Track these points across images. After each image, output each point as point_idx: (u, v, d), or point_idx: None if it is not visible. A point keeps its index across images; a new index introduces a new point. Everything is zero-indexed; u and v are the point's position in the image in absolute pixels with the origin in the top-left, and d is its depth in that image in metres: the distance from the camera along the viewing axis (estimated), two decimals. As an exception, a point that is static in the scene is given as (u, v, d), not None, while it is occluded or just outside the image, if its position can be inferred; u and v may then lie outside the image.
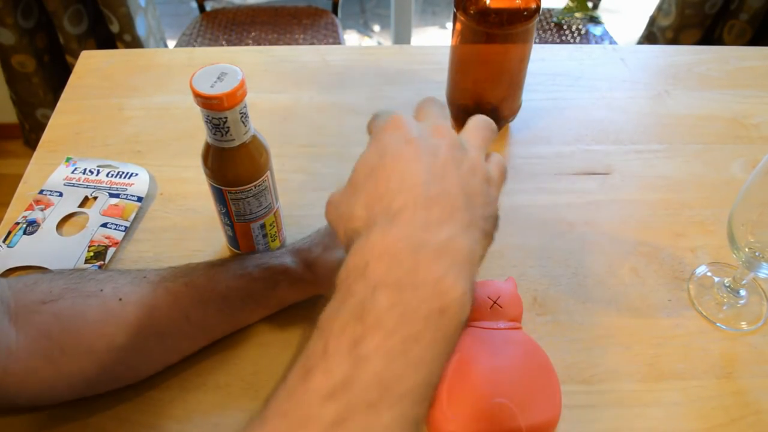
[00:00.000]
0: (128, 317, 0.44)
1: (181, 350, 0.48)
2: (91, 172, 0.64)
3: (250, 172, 0.48)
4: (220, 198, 0.49)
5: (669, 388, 0.49)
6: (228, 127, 0.44)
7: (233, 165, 0.47)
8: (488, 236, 0.35)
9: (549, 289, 0.56)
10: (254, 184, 0.48)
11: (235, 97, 0.43)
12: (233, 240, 0.54)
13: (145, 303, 0.45)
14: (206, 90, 0.42)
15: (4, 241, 0.58)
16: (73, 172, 0.64)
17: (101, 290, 0.45)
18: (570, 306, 0.54)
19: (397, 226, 0.31)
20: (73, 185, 0.63)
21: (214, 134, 0.45)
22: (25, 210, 0.61)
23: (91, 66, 0.79)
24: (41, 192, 0.63)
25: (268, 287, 0.49)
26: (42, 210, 0.61)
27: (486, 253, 0.35)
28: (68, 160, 0.66)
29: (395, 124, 0.35)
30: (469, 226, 0.33)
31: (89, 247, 0.58)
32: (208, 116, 0.44)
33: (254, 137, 0.47)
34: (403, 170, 0.33)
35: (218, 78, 0.43)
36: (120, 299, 0.45)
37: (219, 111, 0.43)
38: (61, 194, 0.62)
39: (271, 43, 1.48)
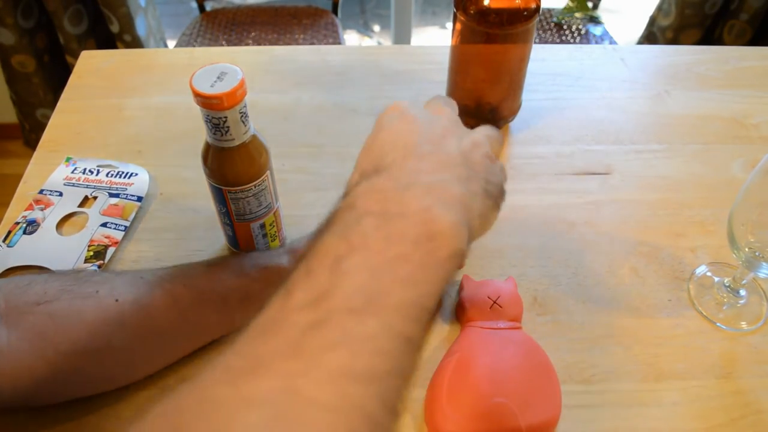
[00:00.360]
0: (125, 317, 0.44)
1: (179, 351, 0.48)
2: (91, 172, 0.64)
3: (250, 171, 0.48)
4: (220, 197, 0.49)
5: (669, 387, 0.49)
6: (228, 127, 0.44)
7: (233, 164, 0.47)
8: (491, 198, 0.34)
9: (549, 289, 0.56)
10: (254, 183, 0.48)
11: (235, 97, 0.43)
12: (233, 240, 0.54)
13: (142, 303, 0.45)
14: (206, 89, 0.42)
15: (3, 240, 0.58)
16: (73, 172, 0.64)
17: (97, 291, 0.44)
18: (570, 306, 0.55)
19: (386, 173, 0.31)
20: (73, 185, 0.63)
21: (214, 134, 0.45)
22: (25, 210, 0.61)
23: (91, 66, 0.79)
24: (41, 192, 0.63)
25: (266, 287, 0.49)
26: (42, 210, 0.61)
27: (490, 218, 0.34)
28: (68, 159, 0.66)
29: (395, 106, 0.36)
30: (467, 180, 0.32)
31: (89, 246, 0.58)
32: (208, 116, 0.44)
33: (254, 137, 0.47)
34: (396, 136, 0.34)
35: (218, 78, 0.43)
36: (116, 300, 0.44)
37: (219, 110, 0.43)
38: (61, 194, 0.62)
39: (271, 43, 1.48)
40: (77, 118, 0.72)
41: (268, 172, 0.49)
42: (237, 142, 0.46)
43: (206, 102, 0.42)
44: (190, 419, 0.22)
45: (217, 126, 0.44)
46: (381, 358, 0.25)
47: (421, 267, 0.27)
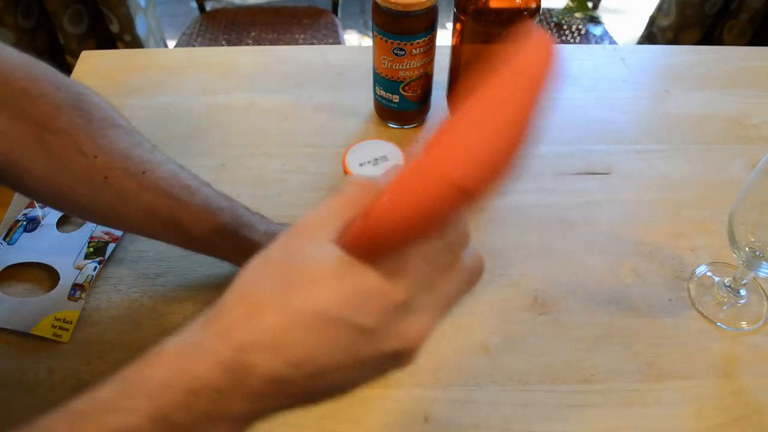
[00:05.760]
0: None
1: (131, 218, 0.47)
2: None
3: None
4: None
5: (669, 387, 0.49)
6: None
7: None
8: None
9: (549, 289, 0.56)
10: None
11: None
12: None
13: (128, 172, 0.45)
14: (355, 168, 0.40)
15: (4, 238, 0.58)
16: None
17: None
18: (570, 306, 0.54)
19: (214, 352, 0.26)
20: None
21: None
22: (26, 208, 0.61)
23: (91, 66, 0.79)
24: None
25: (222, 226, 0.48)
26: (42, 207, 0.61)
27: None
28: None
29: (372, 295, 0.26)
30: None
31: (89, 242, 0.58)
32: None
33: None
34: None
35: (375, 161, 0.40)
36: (95, 156, 0.45)
37: None
38: None
39: (271, 43, 1.48)
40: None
41: None
42: None
43: None
44: None
45: None
46: None
47: None
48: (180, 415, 0.25)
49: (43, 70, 0.45)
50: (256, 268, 0.28)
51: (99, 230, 0.59)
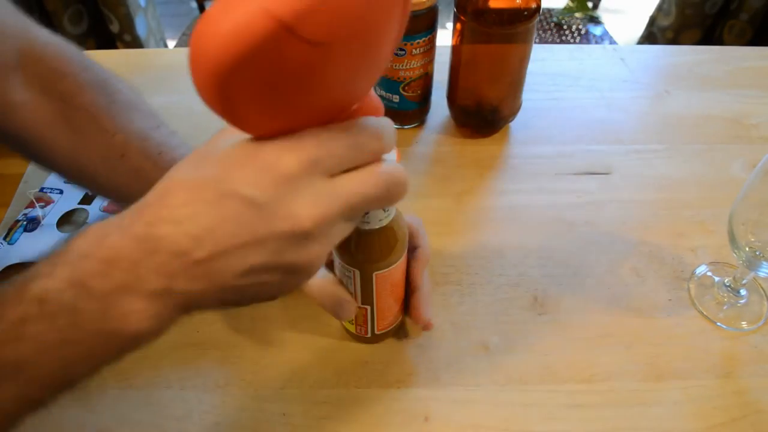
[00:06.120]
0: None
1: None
2: None
3: (370, 259, 0.43)
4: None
5: (669, 387, 0.49)
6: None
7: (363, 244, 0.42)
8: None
9: (549, 289, 0.56)
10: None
11: None
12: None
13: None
14: None
15: (4, 238, 0.58)
16: None
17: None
18: (570, 306, 0.54)
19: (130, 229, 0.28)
20: None
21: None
22: (26, 207, 0.61)
23: (91, 66, 0.79)
24: (42, 189, 0.63)
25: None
26: (42, 207, 0.61)
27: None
28: None
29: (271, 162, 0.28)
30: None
31: None
32: None
33: (388, 228, 0.42)
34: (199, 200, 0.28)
35: None
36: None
37: None
38: (61, 191, 0.63)
39: (271, 43, 1.48)
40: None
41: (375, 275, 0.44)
42: (372, 226, 0.41)
43: None
44: None
45: None
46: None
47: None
48: (96, 282, 0.28)
49: (72, 51, 0.48)
50: (183, 160, 0.30)
51: None
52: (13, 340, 0.28)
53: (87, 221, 0.60)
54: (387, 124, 0.31)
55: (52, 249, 0.29)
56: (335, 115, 0.30)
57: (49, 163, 0.48)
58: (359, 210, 0.31)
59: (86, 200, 0.62)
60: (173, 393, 0.48)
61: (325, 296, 0.44)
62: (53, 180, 0.64)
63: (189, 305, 0.30)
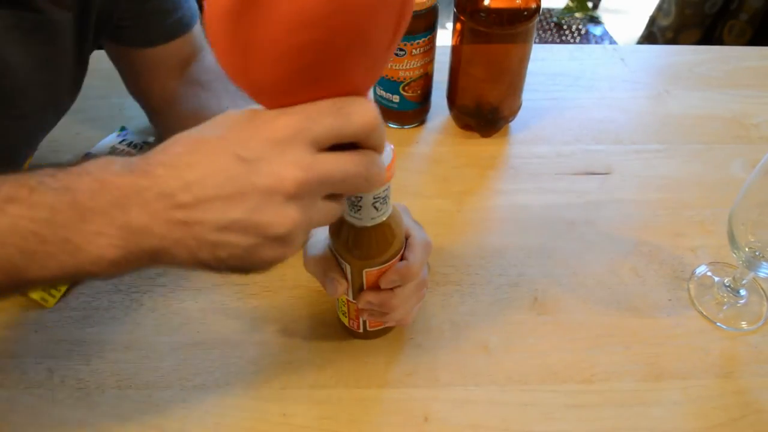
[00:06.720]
0: None
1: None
2: (135, 146, 0.66)
3: (364, 255, 0.43)
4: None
5: (669, 387, 0.49)
6: (360, 207, 0.40)
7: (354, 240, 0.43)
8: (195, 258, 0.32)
9: (549, 289, 0.56)
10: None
11: None
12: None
13: None
14: None
15: None
16: (120, 142, 0.67)
17: None
18: (570, 306, 0.54)
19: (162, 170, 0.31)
20: (116, 154, 0.64)
21: (349, 209, 0.41)
22: None
23: (91, 66, 0.79)
24: (87, 154, 0.65)
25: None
26: None
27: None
28: (122, 129, 0.68)
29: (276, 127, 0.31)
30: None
31: None
32: None
33: (384, 225, 0.42)
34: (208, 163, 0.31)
35: None
36: None
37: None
38: None
39: (271, 43, 1.48)
40: (78, 117, 0.72)
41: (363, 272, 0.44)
42: (364, 224, 0.41)
43: None
44: None
45: (348, 199, 0.40)
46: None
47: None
48: (84, 197, 0.30)
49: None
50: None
51: None
52: None
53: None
54: (374, 107, 0.32)
55: (69, 160, 0.32)
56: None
57: None
58: (339, 184, 0.32)
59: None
60: (173, 393, 0.48)
61: (318, 269, 0.45)
62: (101, 147, 0.67)
63: (160, 253, 0.31)
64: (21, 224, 0.30)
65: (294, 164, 0.30)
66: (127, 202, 0.30)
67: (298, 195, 0.31)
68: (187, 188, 0.30)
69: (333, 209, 0.34)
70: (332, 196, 0.34)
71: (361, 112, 0.31)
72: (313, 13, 0.28)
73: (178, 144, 0.31)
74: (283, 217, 0.31)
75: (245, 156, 0.30)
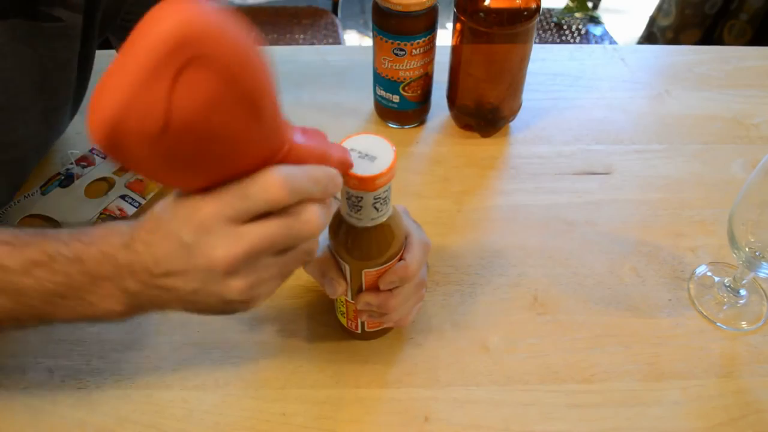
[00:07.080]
0: None
1: None
2: None
3: (363, 255, 0.43)
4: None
5: (669, 387, 0.49)
6: (360, 207, 0.40)
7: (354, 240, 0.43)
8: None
9: (549, 289, 0.56)
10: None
11: (373, 184, 0.38)
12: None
13: None
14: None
15: (41, 187, 0.62)
16: None
17: None
18: (570, 306, 0.55)
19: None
20: None
21: (349, 209, 0.41)
22: (70, 164, 0.64)
23: (94, 66, 0.79)
24: (90, 150, 0.66)
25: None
26: (83, 168, 0.64)
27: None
28: None
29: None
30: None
31: (101, 214, 0.60)
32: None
33: (385, 226, 0.42)
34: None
35: (367, 155, 0.39)
36: None
37: (352, 189, 0.39)
38: (105, 157, 0.65)
39: (271, 43, 1.48)
40: (77, 118, 0.72)
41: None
42: (364, 224, 0.41)
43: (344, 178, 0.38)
44: None
45: (348, 200, 0.40)
46: None
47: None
48: (92, 265, 0.37)
49: None
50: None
51: (114, 204, 0.61)
52: (22, 273, 0.37)
53: (108, 193, 0.62)
54: (277, 178, 0.34)
55: (78, 225, 0.39)
56: (248, 167, 0.34)
57: None
58: (267, 249, 0.35)
59: (119, 171, 0.64)
60: (173, 393, 0.48)
61: (317, 270, 0.46)
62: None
63: (155, 306, 0.38)
64: (45, 285, 0.37)
65: (220, 246, 0.34)
66: (124, 273, 0.36)
67: (234, 268, 0.34)
68: (157, 264, 0.35)
69: (284, 261, 0.37)
70: (282, 251, 0.36)
71: (261, 191, 0.33)
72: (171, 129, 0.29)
73: (150, 220, 0.36)
74: (229, 288, 0.35)
75: (185, 240, 0.34)
